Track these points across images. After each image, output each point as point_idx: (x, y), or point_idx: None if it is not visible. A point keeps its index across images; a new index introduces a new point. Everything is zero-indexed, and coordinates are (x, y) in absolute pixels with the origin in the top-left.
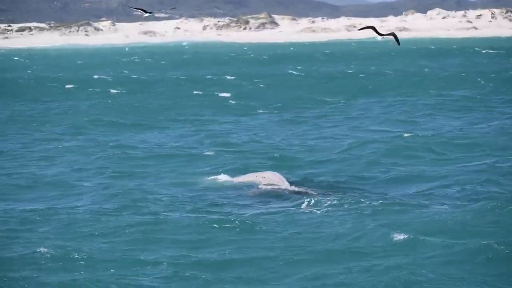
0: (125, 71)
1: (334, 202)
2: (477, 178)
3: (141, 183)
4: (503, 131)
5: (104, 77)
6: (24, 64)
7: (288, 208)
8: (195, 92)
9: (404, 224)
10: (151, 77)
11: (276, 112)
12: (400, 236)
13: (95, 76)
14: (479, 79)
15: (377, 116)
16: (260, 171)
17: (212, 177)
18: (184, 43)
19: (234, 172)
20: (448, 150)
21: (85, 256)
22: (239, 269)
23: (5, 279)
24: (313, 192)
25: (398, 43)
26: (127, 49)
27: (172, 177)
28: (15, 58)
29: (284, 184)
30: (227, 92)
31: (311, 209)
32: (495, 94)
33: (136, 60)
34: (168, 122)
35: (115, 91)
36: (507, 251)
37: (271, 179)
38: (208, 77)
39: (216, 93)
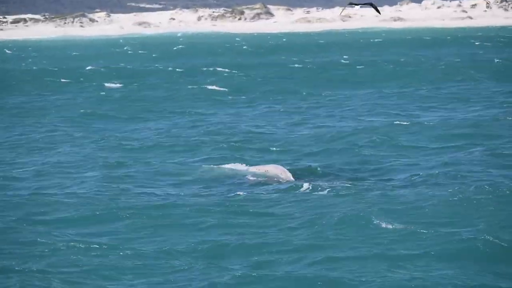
0: (120, 63)
1: (335, 192)
2: (473, 167)
3: (139, 173)
4: (499, 120)
5: (99, 68)
6: (19, 56)
7: (290, 199)
8: (190, 85)
9: (401, 213)
10: (146, 69)
11: (273, 103)
12: (396, 225)
13: (90, 68)
14: (474, 69)
15: (374, 106)
16: (261, 165)
17: (211, 169)
18: (178, 34)
19: (232, 165)
20: (444, 139)
21: (85, 244)
22: (238, 255)
23: (5, 270)
24: (315, 183)
25: (378, 12)
26: (121, 40)
27: (171, 167)
28: (10, 50)
29: (287, 176)
30: (222, 84)
31: (314, 200)
32: (490, 84)
33: (130, 52)
34: (164, 113)
35: (110, 83)
36: (502, 242)
37: (274, 171)
38: (203, 68)
39: (211, 85)
